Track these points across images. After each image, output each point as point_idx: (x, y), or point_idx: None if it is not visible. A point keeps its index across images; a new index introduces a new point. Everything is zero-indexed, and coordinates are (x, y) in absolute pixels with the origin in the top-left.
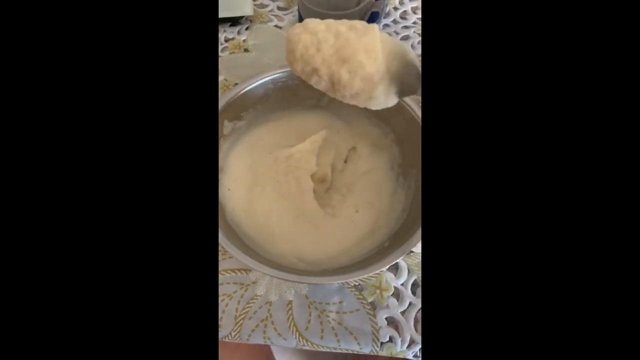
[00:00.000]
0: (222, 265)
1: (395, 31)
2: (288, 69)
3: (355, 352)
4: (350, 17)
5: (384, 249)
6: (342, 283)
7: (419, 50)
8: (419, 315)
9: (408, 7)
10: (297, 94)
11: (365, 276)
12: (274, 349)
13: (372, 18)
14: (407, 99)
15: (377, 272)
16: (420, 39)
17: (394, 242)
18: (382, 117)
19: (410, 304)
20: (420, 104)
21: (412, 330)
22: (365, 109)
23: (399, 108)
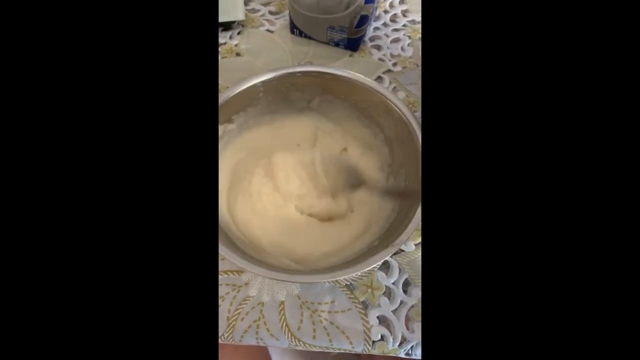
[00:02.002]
0: None
1: (385, 34)
2: (278, 72)
3: (348, 352)
4: (340, 20)
5: (373, 248)
6: (333, 283)
7: (409, 52)
8: (410, 313)
9: (398, 10)
10: (288, 97)
11: (355, 274)
12: (272, 351)
13: (362, 21)
14: (396, 100)
15: (368, 271)
16: (409, 41)
17: (383, 241)
18: (372, 118)
19: (401, 302)
20: (408, 106)
21: (403, 328)
22: (356, 110)
23: (388, 109)
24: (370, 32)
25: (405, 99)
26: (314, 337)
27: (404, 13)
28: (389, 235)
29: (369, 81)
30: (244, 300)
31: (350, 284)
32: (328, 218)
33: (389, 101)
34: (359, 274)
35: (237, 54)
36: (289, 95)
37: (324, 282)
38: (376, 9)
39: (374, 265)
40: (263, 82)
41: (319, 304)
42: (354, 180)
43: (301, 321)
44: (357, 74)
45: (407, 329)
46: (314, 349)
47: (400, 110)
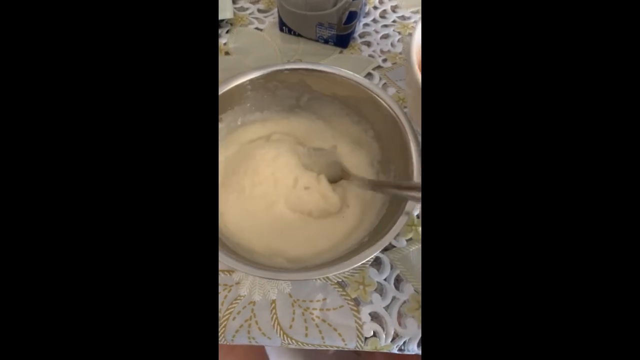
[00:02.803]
0: None
1: (375, 30)
2: (266, 70)
3: (340, 349)
4: (328, 17)
5: (363, 244)
6: (325, 280)
7: (399, 48)
8: (402, 309)
9: (387, 5)
10: (277, 95)
11: (346, 272)
12: (269, 350)
13: (350, 18)
14: (384, 96)
15: (358, 267)
16: (399, 36)
17: (373, 237)
18: (361, 114)
19: (393, 298)
20: (398, 101)
21: (395, 324)
22: (345, 107)
23: (377, 105)
24: (360, 28)
25: (395, 94)
26: (306, 335)
27: (394, 9)
28: (378, 230)
29: (358, 77)
30: (235, 300)
31: (342, 281)
32: (320, 216)
33: (377, 97)
34: (350, 271)
35: (227, 53)
36: (277, 93)
37: (316, 280)
38: (365, 5)
39: (363, 262)
40: (250, 80)
41: (311, 301)
42: (336, 175)
43: (293, 319)
44: (345, 70)
45: (400, 324)
46: (306, 347)
47: (389, 106)
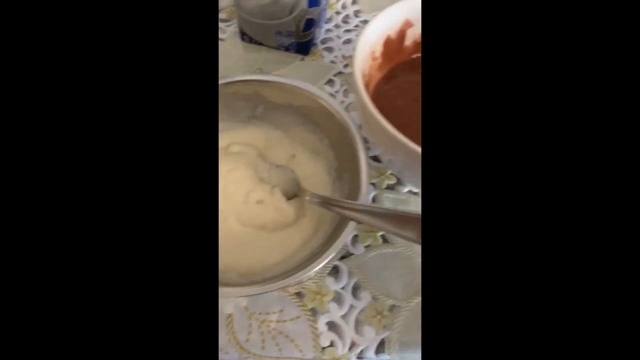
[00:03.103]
0: None
1: (337, 35)
2: (221, 81)
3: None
4: (285, 25)
5: (315, 254)
6: (282, 292)
7: None
8: (360, 316)
9: (350, 10)
10: (231, 106)
11: (296, 282)
12: None
13: (309, 25)
14: (335, 104)
15: (314, 277)
16: None
17: (325, 245)
18: (316, 123)
19: (351, 306)
20: (345, 109)
21: (352, 333)
22: (301, 117)
23: (329, 114)
24: (321, 34)
25: (357, 101)
26: (262, 348)
27: (356, 13)
28: (331, 240)
29: (309, 87)
30: None
31: (299, 291)
32: (275, 228)
33: (328, 106)
34: (307, 281)
35: None
36: (231, 105)
37: (273, 292)
38: (325, 10)
39: (317, 270)
40: None
41: (267, 314)
42: (292, 192)
43: (249, 332)
44: (297, 80)
45: (357, 332)
46: (264, 359)
47: (340, 115)
